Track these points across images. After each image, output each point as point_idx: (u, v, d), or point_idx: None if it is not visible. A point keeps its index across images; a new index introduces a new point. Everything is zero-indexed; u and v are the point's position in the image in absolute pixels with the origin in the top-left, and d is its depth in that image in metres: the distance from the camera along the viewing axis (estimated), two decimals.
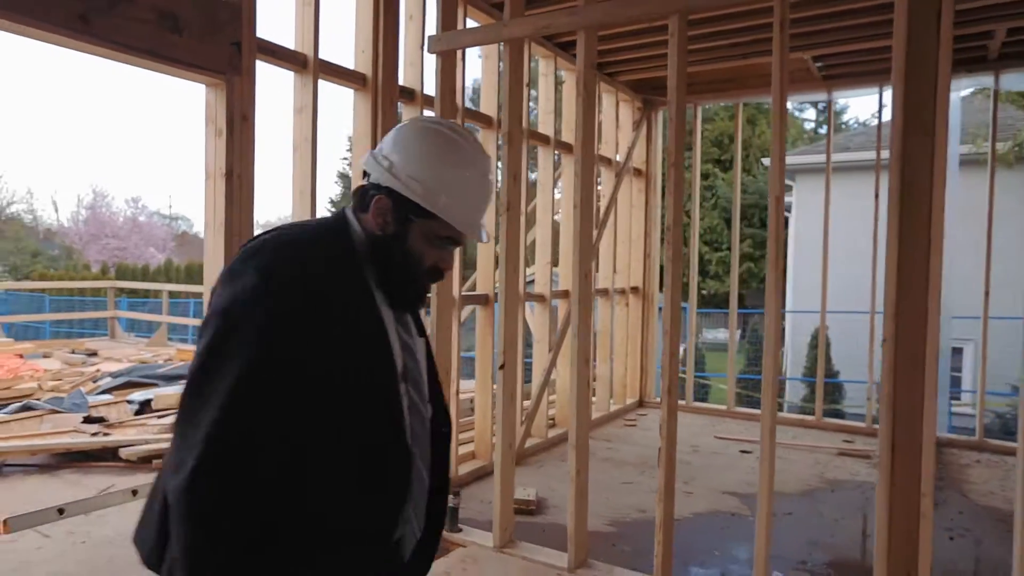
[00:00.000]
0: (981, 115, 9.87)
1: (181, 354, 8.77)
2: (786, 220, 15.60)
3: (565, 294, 5.56)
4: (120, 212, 27.63)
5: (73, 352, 9.31)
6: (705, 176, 16.94)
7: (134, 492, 3.48)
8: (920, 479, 2.48)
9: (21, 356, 8.22)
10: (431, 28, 3.89)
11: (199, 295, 10.58)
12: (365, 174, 1.29)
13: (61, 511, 3.43)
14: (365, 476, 1.19)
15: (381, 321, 1.23)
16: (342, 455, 1.16)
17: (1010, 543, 3.29)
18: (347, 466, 1.16)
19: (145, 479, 4.14)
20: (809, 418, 6.42)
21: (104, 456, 4.72)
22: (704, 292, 18.24)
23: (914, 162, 2.45)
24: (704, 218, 17.77)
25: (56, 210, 40.59)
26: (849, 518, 4.08)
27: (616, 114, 6.44)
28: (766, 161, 12.28)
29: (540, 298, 5.42)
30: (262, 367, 1.08)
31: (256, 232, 3.17)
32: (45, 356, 8.76)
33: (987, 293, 5.46)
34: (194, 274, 17.01)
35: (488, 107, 4.72)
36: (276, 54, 3.25)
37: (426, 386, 1.35)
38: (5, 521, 3.30)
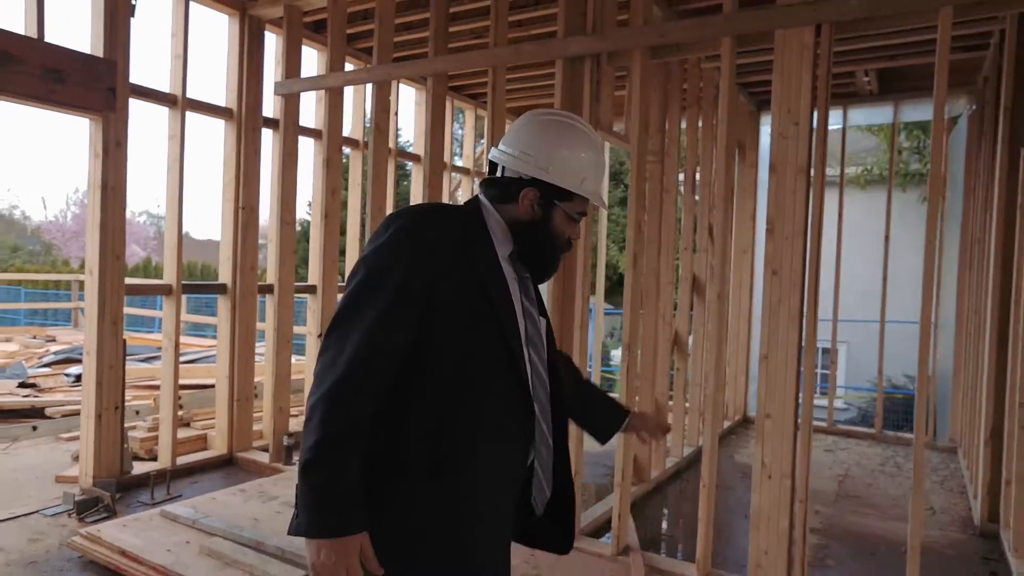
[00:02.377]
0: (854, 144, 11.02)
1: (132, 339, 9.71)
2: None
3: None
4: None
5: (34, 338, 10.27)
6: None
7: (34, 428, 4.43)
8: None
9: None
10: (309, 70, 4.86)
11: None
12: (492, 168, 1.46)
13: None
14: (492, 401, 1.33)
15: (507, 284, 1.37)
16: (468, 379, 1.30)
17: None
18: (471, 390, 1.30)
19: (57, 425, 5.13)
20: None
21: (34, 415, 5.70)
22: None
23: None
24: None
25: (45, 207, 41.47)
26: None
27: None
28: None
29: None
30: (402, 300, 1.23)
31: (127, 232, 4.16)
32: (7, 340, 9.72)
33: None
34: None
35: (356, 133, 5.74)
36: (149, 95, 4.25)
37: (546, 356, 1.46)
38: None
